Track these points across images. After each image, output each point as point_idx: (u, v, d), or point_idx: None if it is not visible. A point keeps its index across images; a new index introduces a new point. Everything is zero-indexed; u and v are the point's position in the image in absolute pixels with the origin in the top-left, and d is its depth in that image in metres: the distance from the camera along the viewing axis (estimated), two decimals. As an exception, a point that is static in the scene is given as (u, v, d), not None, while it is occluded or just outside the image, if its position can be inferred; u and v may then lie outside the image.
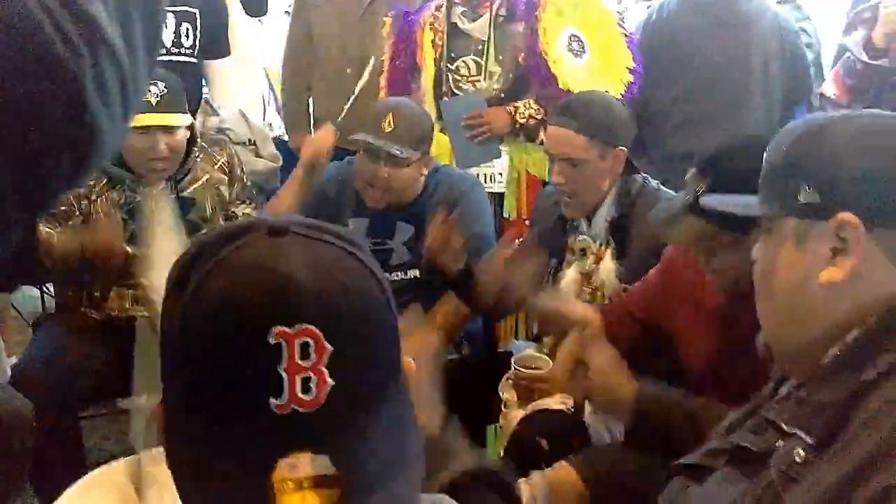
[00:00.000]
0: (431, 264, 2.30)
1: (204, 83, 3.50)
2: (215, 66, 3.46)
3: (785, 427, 1.08)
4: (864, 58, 2.92)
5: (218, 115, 3.38)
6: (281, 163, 3.44)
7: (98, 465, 2.02)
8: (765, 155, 1.15)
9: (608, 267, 2.26)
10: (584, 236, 2.33)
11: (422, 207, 2.63)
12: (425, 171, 2.62)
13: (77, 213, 2.55)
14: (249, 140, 3.39)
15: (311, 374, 0.68)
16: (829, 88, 3.08)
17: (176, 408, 0.73)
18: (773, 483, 1.04)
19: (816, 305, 1.08)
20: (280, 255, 0.70)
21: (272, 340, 0.67)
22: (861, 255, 1.04)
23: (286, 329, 0.67)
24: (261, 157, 3.41)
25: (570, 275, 2.34)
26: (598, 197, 2.28)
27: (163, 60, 3.15)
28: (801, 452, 1.03)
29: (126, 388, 2.56)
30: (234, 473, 0.69)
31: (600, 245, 2.29)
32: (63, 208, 2.55)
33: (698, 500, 1.19)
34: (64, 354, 2.50)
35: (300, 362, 0.68)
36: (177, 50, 3.26)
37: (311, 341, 0.68)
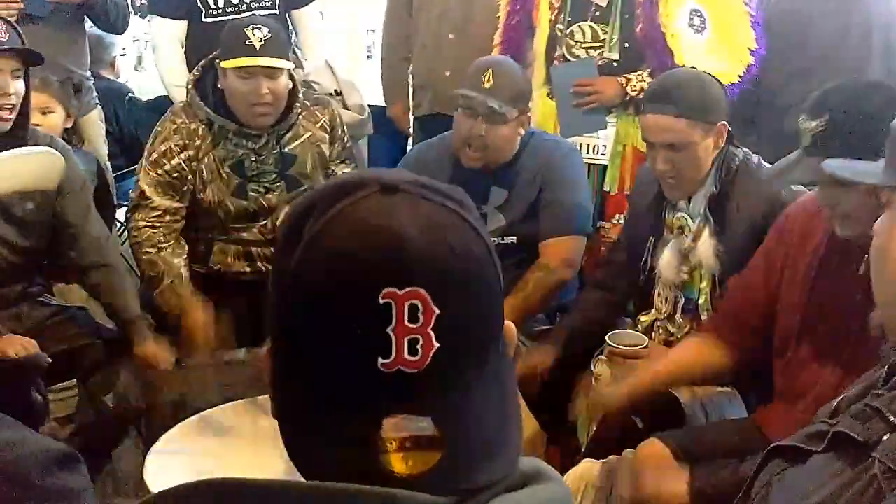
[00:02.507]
0: None
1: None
2: (302, 18, 3.48)
3: (892, 418, 1.03)
4: None
5: (303, 68, 3.38)
6: (367, 114, 3.45)
7: (198, 411, 2.12)
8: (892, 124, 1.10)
9: (707, 245, 2.20)
10: (683, 214, 2.27)
11: (515, 171, 2.64)
12: (522, 131, 2.62)
13: (188, 175, 2.63)
14: (336, 91, 3.40)
15: (419, 336, 0.68)
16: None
17: (285, 361, 0.74)
18: (877, 477, 0.99)
19: None
20: (392, 213, 0.71)
21: (382, 301, 0.68)
22: None
23: (396, 290, 0.68)
24: (347, 108, 3.42)
25: (667, 253, 2.28)
26: (701, 175, 2.22)
27: (245, 17, 3.19)
28: None
29: (227, 341, 2.64)
30: (339, 430, 0.71)
31: (699, 223, 2.23)
32: (175, 175, 2.63)
33: (795, 483, 1.15)
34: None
35: (408, 324, 0.68)
36: (257, 5, 3.30)
37: (419, 304, 0.68)
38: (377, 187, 0.72)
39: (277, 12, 3.34)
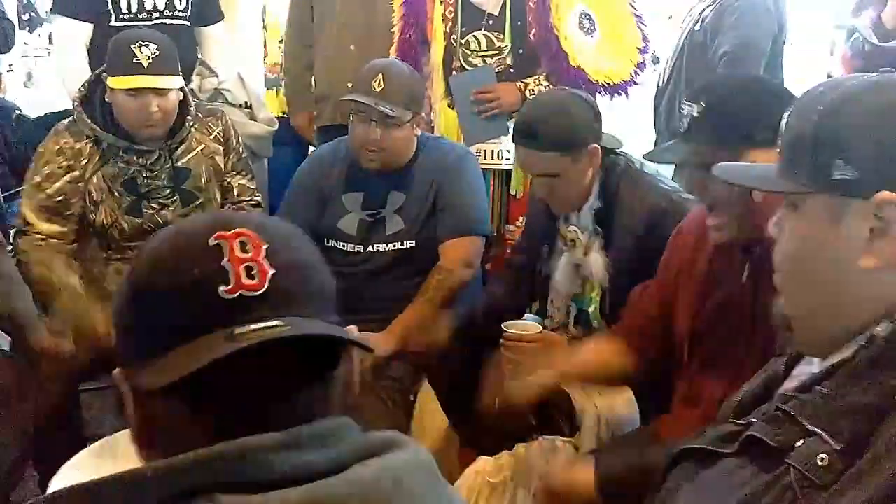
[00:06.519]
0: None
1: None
2: (209, 31, 3.41)
3: (806, 424, 1.01)
4: (874, 39, 2.88)
5: (216, 75, 3.32)
6: (276, 127, 3.41)
7: (97, 437, 2.03)
8: (786, 123, 1.07)
9: (596, 259, 2.24)
10: (573, 227, 2.29)
11: (412, 175, 2.63)
12: (418, 132, 2.61)
13: (73, 198, 2.55)
14: (245, 103, 3.36)
15: (253, 264, 0.78)
16: (837, 70, 3.05)
17: (139, 343, 0.81)
18: (792, 485, 0.98)
19: (851, 290, 1.01)
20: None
21: (213, 243, 0.78)
22: None
23: (224, 232, 0.79)
24: (255, 120, 3.37)
25: (561, 265, 2.32)
26: (583, 192, 2.25)
27: (157, 23, 3.12)
28: (825, 456, 0.97)
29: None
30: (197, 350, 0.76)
31: (588, 237, 2.26)
32: (59, 199, 2.54)
33: (707, 486, 1.12)
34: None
35: (241, 254, 0.78)
36: (170, 13, 3.21)
37: (247, 239, 0.79)
38: None
39: (189, 23, 3.27)
